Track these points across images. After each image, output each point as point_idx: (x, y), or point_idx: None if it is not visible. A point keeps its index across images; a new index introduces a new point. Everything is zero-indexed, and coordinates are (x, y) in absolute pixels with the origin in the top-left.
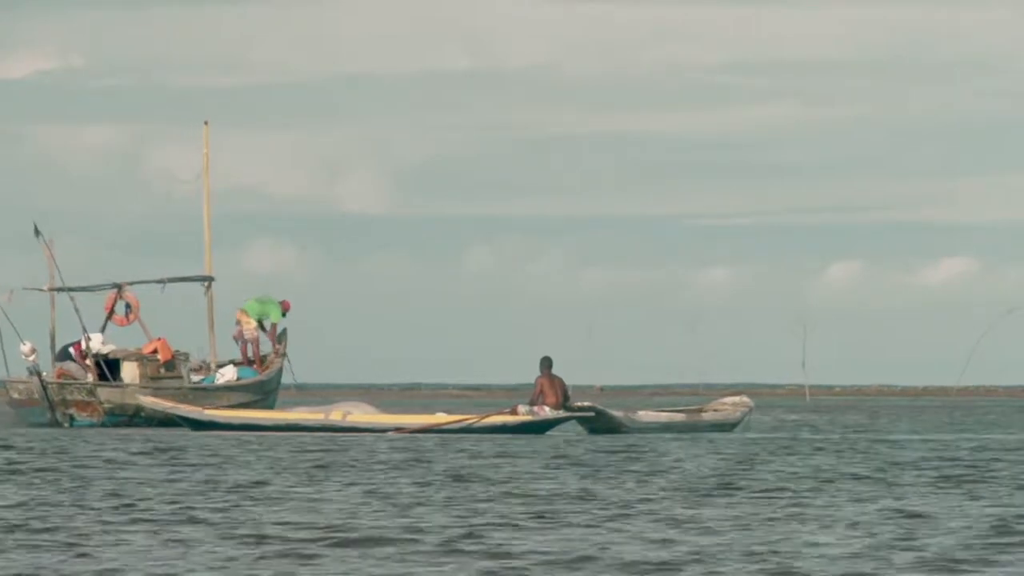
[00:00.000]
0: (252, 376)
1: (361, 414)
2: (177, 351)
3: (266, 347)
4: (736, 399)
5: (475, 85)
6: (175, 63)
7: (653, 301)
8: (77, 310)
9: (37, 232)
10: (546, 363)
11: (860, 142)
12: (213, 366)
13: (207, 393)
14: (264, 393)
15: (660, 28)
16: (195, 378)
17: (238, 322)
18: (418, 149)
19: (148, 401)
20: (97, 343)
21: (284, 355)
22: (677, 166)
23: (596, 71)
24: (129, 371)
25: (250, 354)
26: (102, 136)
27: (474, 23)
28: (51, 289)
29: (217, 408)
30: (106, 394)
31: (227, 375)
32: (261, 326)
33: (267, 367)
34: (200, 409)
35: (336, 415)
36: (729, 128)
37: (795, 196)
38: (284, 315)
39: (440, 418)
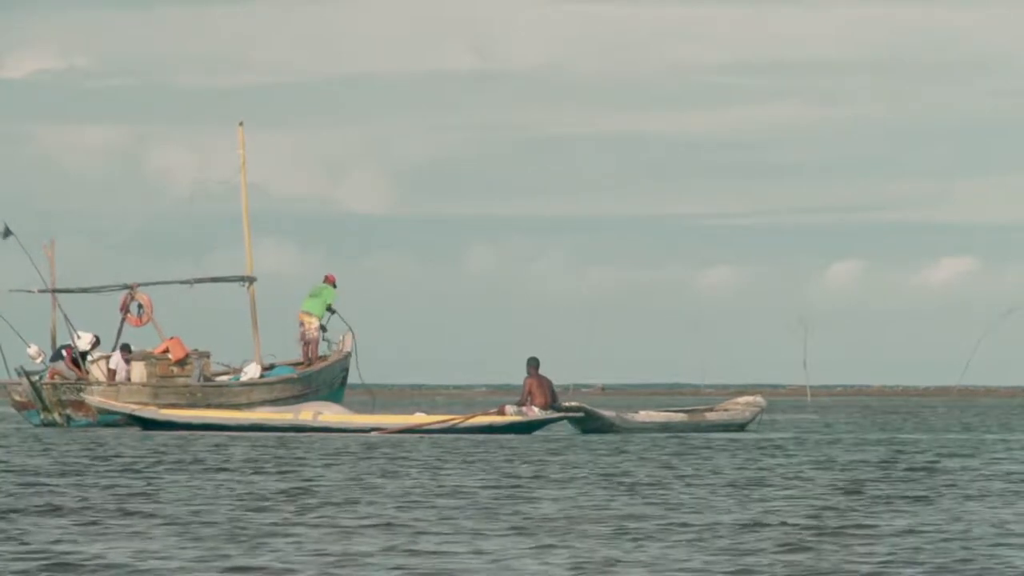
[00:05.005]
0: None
1: (333, 414)
2: (195, 350)
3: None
4: (749, 399)
5: (475, 85)
6: (176, 63)
7: (654, 301)
8: (62, 310)
9: (7, 232)
10: (533, 363)
11: (860, 142)
12: (259, 366)
13: (219, 392)
14: (305, 391)
15: (660, 28)
16: (223, 378)
17: (301, 323)
18: (419, 149)
19: (95, 401)
20: (85, 343)
21: (348, 352)
22: (677, 166)
23: (596, 71)
24: (137, 371)
25: (310, 354)
26: (102, 136)
27: (474, 24)
28: (40, 291)
29: (222, 408)
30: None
31: (250, 373)
32: (331, 309)
33: (311, 365)
34: (155, 408)
35: (306, 415)
36: (729, 128)
37: (795, 196)
38: (335, 286)
39: (420, 418)
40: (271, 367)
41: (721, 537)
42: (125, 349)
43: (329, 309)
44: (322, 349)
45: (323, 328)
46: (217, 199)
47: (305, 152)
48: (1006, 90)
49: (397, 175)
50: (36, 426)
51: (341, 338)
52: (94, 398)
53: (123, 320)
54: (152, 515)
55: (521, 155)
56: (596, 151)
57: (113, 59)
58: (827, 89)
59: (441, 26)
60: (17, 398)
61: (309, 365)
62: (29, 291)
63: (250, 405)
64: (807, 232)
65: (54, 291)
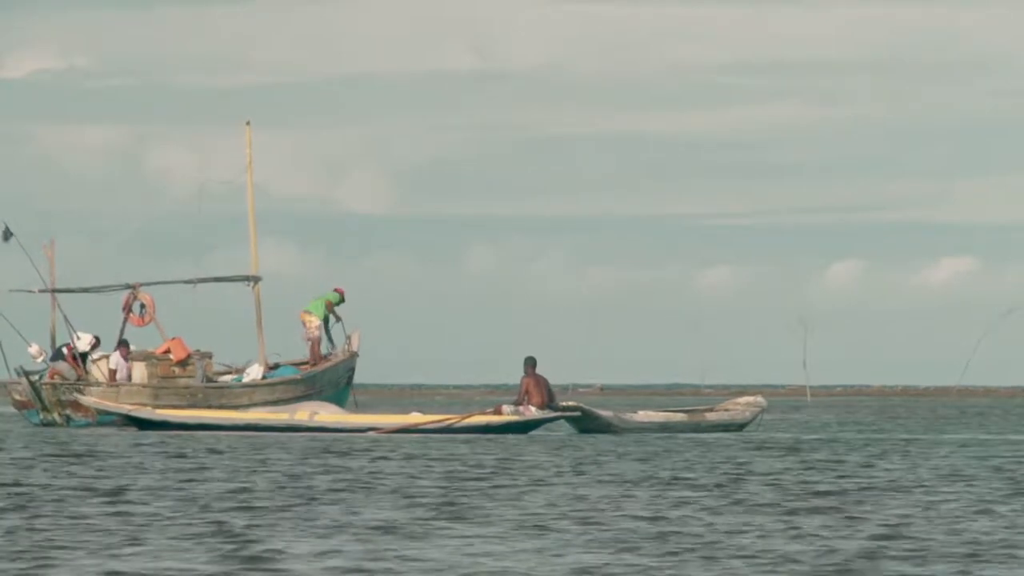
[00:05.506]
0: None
1: (329, 414)
2: (197, 350)
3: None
4: (749, 399)
5: (475, 85)
6: (176, 63)
7: (654, 301)
8: (62, 310)
9: (8, 234)
10: (530, 363)
11: (860, 142)
12: (262, 367)
13: (221, 393)
14: (309, 391)
15: (660, 28)
16: (226, 379)
17: (303, 323)
18: (418, 149)
19: (90, 401)
20: (85, 344)
21: (354, 353)
22: (677, 166)
23: (596, 71)
24: (138, 371)
25: (314, 353)
26: (102, 136)
27: (474, 23)
28: (40, 291)
29: (223, 409)
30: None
31: (252, 374)
32: (335, 314)
33: (316, 365)
34: (150, 408)
35: (302, 415)
36: (729, 128)
37: (795, 196)
38: (342, 301)
39: (416, 418)
40: (276, 366)
41: (706, 535)
42: (123, 345)
43: (330, 310)
44: (324, 348)
45: (327, 332)
46: (217, 199)
47: (305, 152)
48: (1006, 90)
49: (397, 175)
50: (36, 425)
51: (347, 337)
52: (90, 399)
53: (125, 320)
54: (128, 513)
55: (521, 155)
56: (596, 151)
57: (113, 59)
58: (827, 89)
59: (441, 26)
60: (17, 397)
61: (315, 365)
62: (29, 291)
63: (252, 406)
64: (807, 232)
65: (54, 291)
